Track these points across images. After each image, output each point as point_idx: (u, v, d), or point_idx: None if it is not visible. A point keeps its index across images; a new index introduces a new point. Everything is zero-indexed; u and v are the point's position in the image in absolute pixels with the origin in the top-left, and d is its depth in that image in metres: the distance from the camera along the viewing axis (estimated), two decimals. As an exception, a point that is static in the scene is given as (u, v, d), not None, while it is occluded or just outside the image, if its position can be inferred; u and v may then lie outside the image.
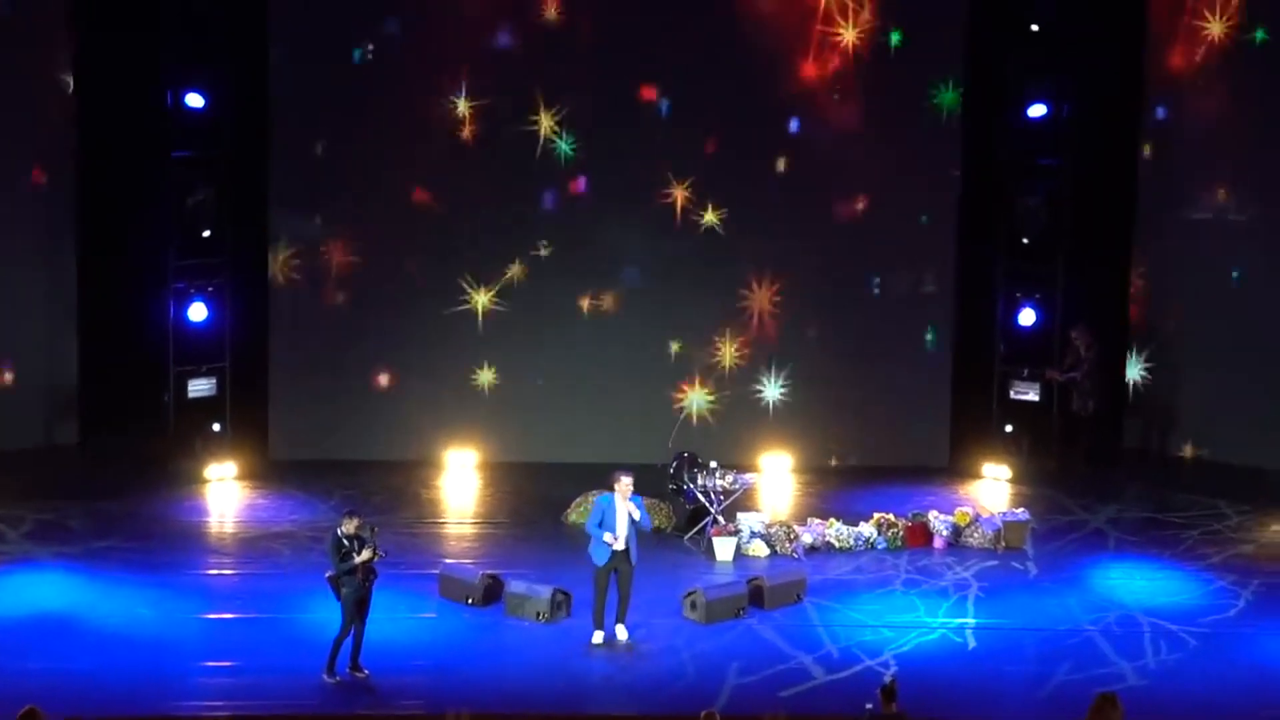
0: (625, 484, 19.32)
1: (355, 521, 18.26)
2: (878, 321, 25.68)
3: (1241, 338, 25.36)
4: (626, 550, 19.31)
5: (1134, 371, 25.99)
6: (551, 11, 24.95)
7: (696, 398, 25.48)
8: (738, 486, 23.03)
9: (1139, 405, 26.18)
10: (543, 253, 25.31)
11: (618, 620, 19.55)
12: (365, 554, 18.13)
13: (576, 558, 20.31)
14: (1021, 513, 22.97)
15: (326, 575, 18.37)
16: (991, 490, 24.93)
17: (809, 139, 25.30)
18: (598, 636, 19.50)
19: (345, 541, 18.18)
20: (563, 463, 24.48)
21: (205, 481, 24.57)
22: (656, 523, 22.59)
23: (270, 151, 25.10)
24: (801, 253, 25.46)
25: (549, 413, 25.61)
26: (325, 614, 18.91)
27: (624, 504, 19.28)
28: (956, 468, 25.60)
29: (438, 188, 25.36)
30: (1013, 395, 25.58)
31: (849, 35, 24.92)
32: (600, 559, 19.38)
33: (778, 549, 22.20)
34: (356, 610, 18.20)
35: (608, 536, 19.23)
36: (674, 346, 25.54)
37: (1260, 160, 25.08)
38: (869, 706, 15.57)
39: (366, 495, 23.96)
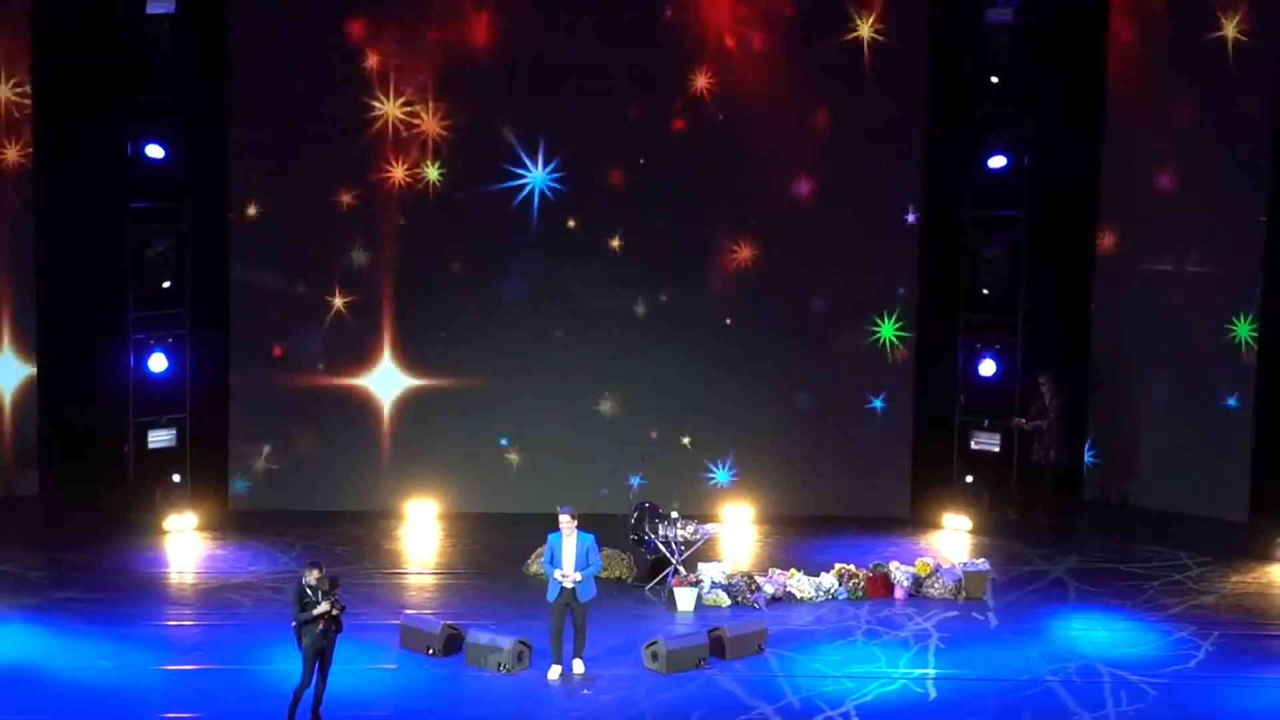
0: (564, 520, 19.72)
1: (316, 573, 18.38)
2: (838, 372, 25.82)
3: (1200, 388, 25.64)
4: (575, 590, 19.70)
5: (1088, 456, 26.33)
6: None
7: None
8: (699, 537, 23.10)
9: (1099, 456, 26.36)
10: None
11: (575, 654, 19.88)
12: (323, 606, 18.23)
13: (538, 608, 20.42)
14: (982, 563, 23.03)
15: (291, 624, 18.49)
16: (952, 541, 25.01)
17: (771, 195, 25.58)
18: (554, 671, 19.79)
19: (308, 591, 18.29)
20: (524, 513, 24.48)
21: (165, 532, 24.56)
22: (618, 573, 22.85)
23: (230, 202, 25.18)
24: (765, 301, 25.64)
25: (510, 464, 25.70)
26: (286, 665, 18.95)
27: (570, 539, 19.66)
28: (917, 518, 25.69)
29: (405, 240, 25.52)
30: (974, 446, 25.66)
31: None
32: (552, 595, 19.83)
33: (739, 599, 22.26)
34: (316, 660, 18.28)
35: (557, 573, 19.67)
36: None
37: (1218, 211, 25.40)
38: None
39: (328, 546, 23.98)
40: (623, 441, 25.53)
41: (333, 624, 18.30)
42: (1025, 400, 25.49)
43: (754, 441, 25.83)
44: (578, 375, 25.67)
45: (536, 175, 25.17)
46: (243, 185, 25.19)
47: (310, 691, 18.33)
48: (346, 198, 25.23)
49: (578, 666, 19.92)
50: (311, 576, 18.32)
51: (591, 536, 19.91)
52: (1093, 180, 25.87)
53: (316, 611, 18.21)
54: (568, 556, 19.71)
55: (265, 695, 18.96)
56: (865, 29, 25.04)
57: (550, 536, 19.92)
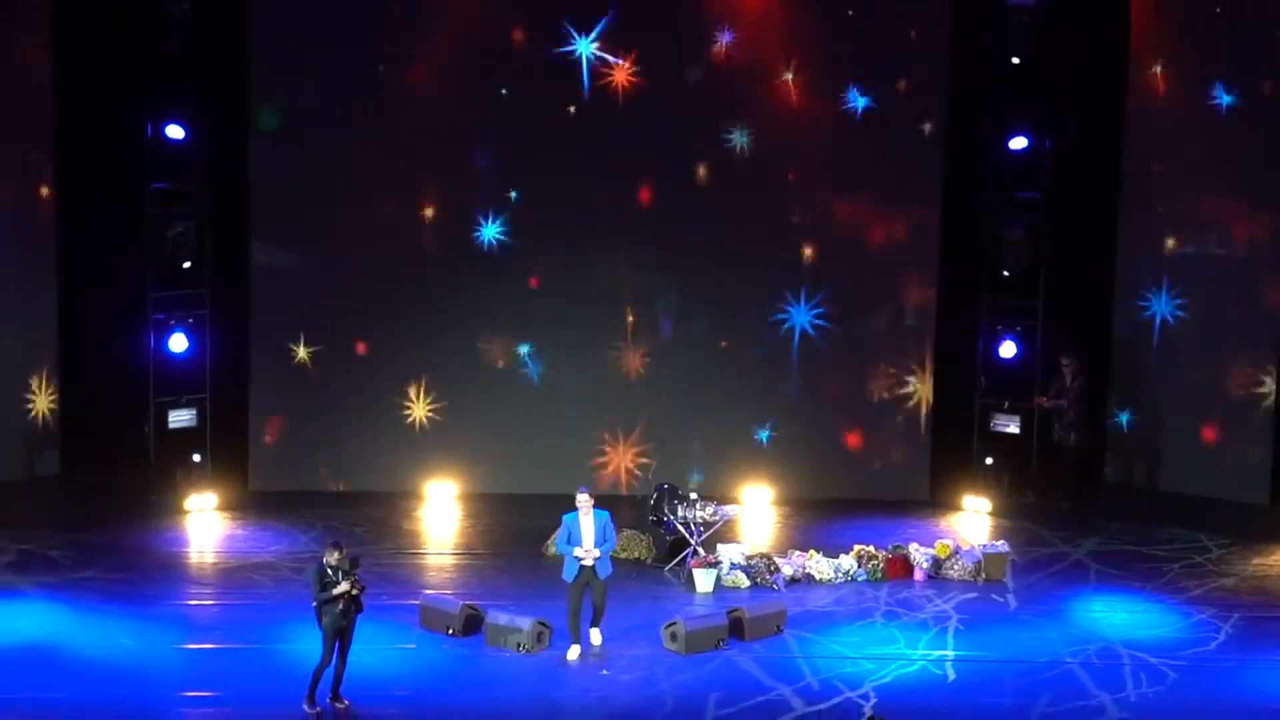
0: (582, 499, 19.88)
1: (338, 553, 18.47)
2: (859, 355, 25.88)
3: (1223, 371, 25.71)
4: (595, 566, 19.85)
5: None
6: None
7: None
8: (718, 518, 23.16)
9: (1120, 438, 26.42)
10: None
11: (592, 624, 20.07)
12: (343, 585, 18.32)
13: (557, 589, 20.49)
14: (1002, 545, 23.05)
15: (312, 604, 18.60)
16: (972, 522, 25.05)
17: (791, 179, 25.63)
18: (573, 651, 19.88)
19: (329, 571, 18.39)
20: (543, 494, 24.55)
21: (186, 512, 24.66)
22: (637, 554, 22.96)
23: (251, 182, 25.24)
24: (783, 288, 25.73)
25: (530, 445, 25.77)
26: (306, 644, 19.03)
27: (588, 518, 19.81)
28: (937, 500, 25.76)
29: (432, 209, 25.60)
30: (993, 428, 25.69)
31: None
32: (570, 574, 19.94)
33: (758, 580, 22.31)
34: (336, 640, 18.39)
35: (577, 551, 19.77)
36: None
37: (1243, 188, 25.46)
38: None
39: (348, 526, 24.04)
40: (647, 426, 25.68)
41: (353, 604, 18.38)
42: (1046, 382, 25.51)
43: (774, 423, 25.89)
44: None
45: None
46: (263, 165, 25.23)
47: (330, 671, 18.41)
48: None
49: (595, 636, 20.06)
50: (332, 557, 18.40)
51: (607, 514, 20.06)
52: (1114, 161, 25.87)
53: (336, 591, 18.30)
54: (586, 533, 19.85)
55: (285, 674, 19.02)
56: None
57: (566, 517, 20.03)
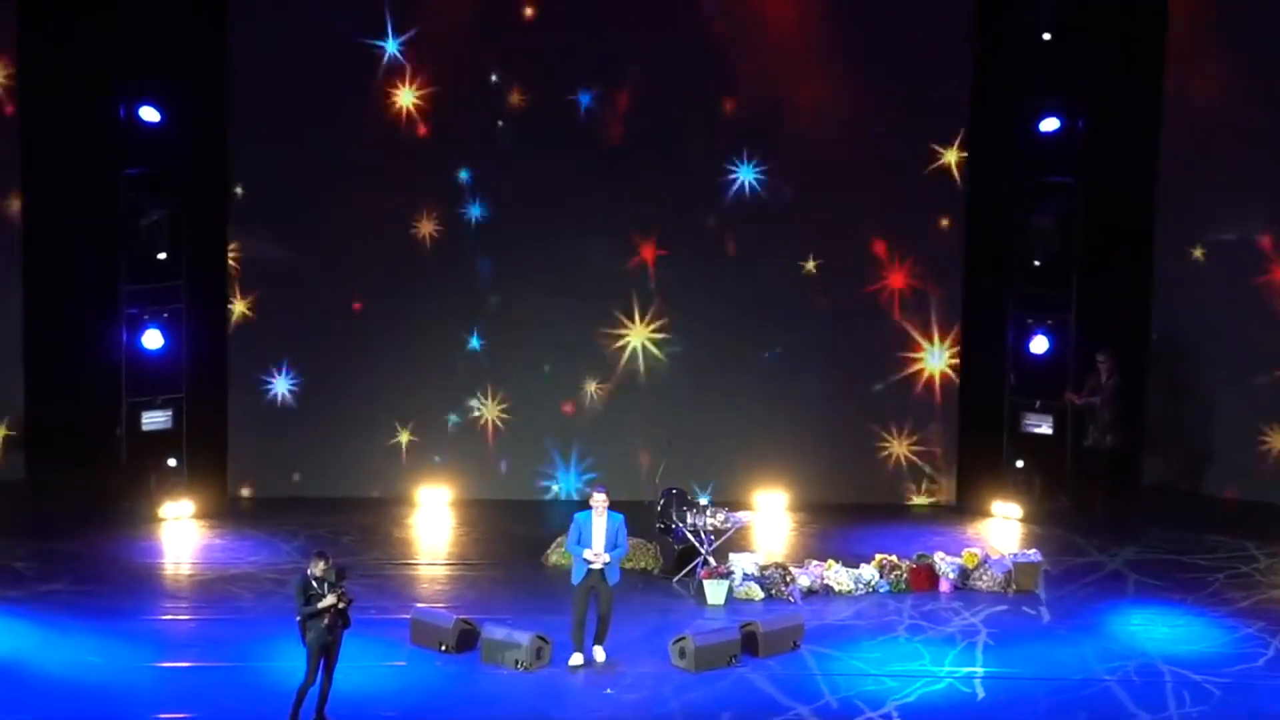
0: (598, 499, 19.95)
1: (323, 564, 18.23)
2: (880, 351, 25.81)
3: (1270, 365, 25.61)
4: (603, 571, 19.85)
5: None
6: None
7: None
8: (730, 525, 23.06)
9: (1160, 439, 26.33)
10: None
11: (596, 641, 20.02)
12: (329, 599, 18.09)
13: (558, 601, 20.46)
14: (1033, 554, 22.95)
15: (295, 619, 18.36)
16: (1001, 530, 25.07)
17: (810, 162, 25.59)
18: (576, 658, 19.92)
19: (314, 583, 18.14)
20: (542, 500, 24.36)
21: (160, 520, 24.64)
22: (644, 564, 22.92)
23: (230, 169, 25.17)
24: (800, 281, 25.64)
25: (527, 448, 25.77)
26: (289, 662, 18.84)
27: (601, 520, 19.85)
28: (964, 506, 25.86)
29: (425, 200, 25.59)
30: (1024, 428, 25.66)
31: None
32: (577, 577, 19.96)
33: (773, 592, 22.21)
34: (321, 657, 18.13)
35: (587, 553, 19.82)
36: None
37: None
38: None
39: (334, 535, 24.02)
40: (654, 428, 25.56)
41: (339, 618, 18.21)
42: (1080, 379, 25.45)
43: (788, 423, 25.79)
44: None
45: None
46: (242, 151, 25.17)
47: (315, 691, 18.22)
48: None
49: (599, 654, 20.05)
50: (317, 568, 18.20)
51: (621, 517, 20.08)
52: (1152, 144, 25.79)
53: (322, 605, 18.08)
54: (598, 536, 19.90)
55: (267, 694, 18.80)
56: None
57: (578, 515, 20.08)
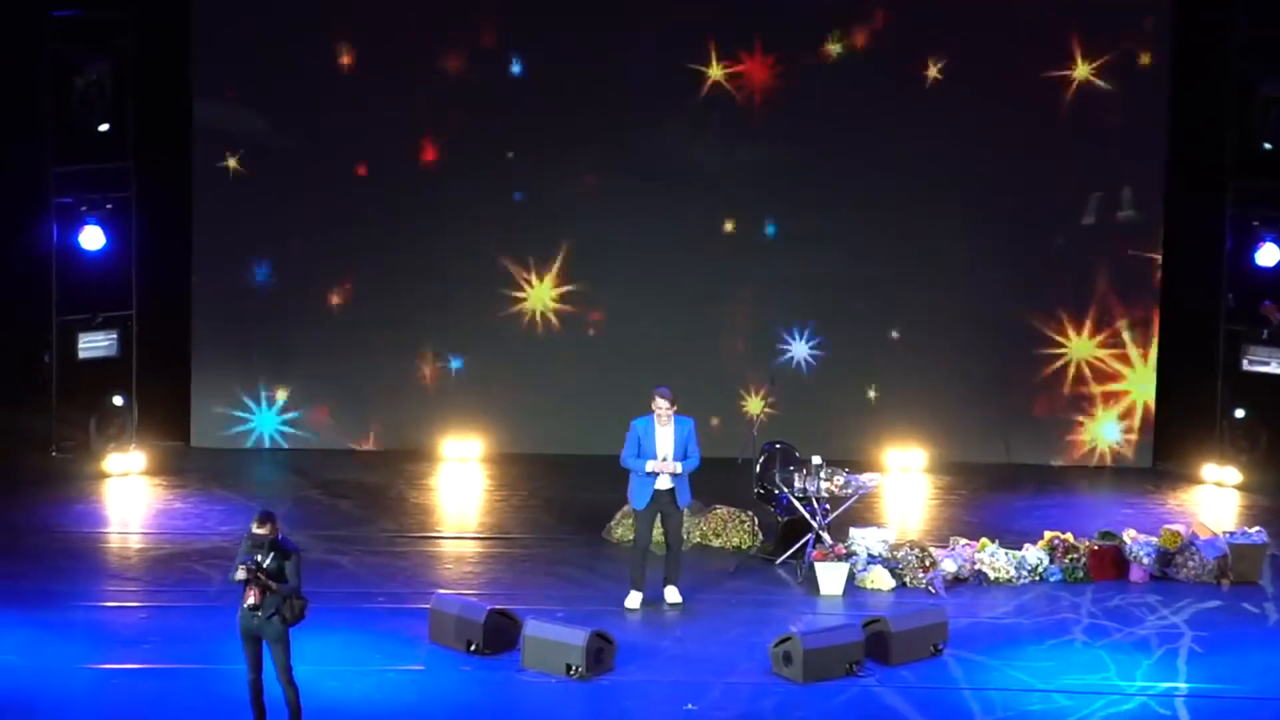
0: (661, 404, 20.47)
1: (268, 526, 17.65)
2: (1052, 261, 26.09)
3: None
4: (673, 490, 20.33)
5: None
6: None
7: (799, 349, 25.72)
8: (851, 491, 23.15)
9: None
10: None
11: (667, 581, 20.55)
12: (239, 572, 17.68)
13: (622, 585, 20.77)
14: (1257, 533, 22.97)
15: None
16: (1214, 501, 25.21)
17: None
18: (634, 599, 20.58)
19: (247, 547, 17.74)
20: (599, 455, 24.55)
21: (103, 476, 24.93)
22: (738, 541, 23.04)
23: (191, 11, 25.37)
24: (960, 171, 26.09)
25: (579, 392, 26.21)
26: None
27: (666, 428, 20.39)
28: (1163, 469, 26.07)
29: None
30: (1246, 366, 25.80)
31: None
32: (640, 500, 20.56)
33: (907, 580, 22.34)
34: (252, 649, 17.92)
35: (651, 465, 20.33)
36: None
37: None
38: None
39: (330, 498, 24.32)
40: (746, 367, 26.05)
41: (284, 605, 17.72)
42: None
43: (929, 364, 26.16)
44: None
45: None
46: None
47: (278, 698, 17.99)
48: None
49: (671, 595, 20.65)
50: (263, 529, 17.63)
51: (691, 422, 20.65)
52: None
53: (234, 577, 17.70)
54: (664, 444, 20.37)
55: (235, 703, 18.71)
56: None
57: (636, 422, 20.63)
